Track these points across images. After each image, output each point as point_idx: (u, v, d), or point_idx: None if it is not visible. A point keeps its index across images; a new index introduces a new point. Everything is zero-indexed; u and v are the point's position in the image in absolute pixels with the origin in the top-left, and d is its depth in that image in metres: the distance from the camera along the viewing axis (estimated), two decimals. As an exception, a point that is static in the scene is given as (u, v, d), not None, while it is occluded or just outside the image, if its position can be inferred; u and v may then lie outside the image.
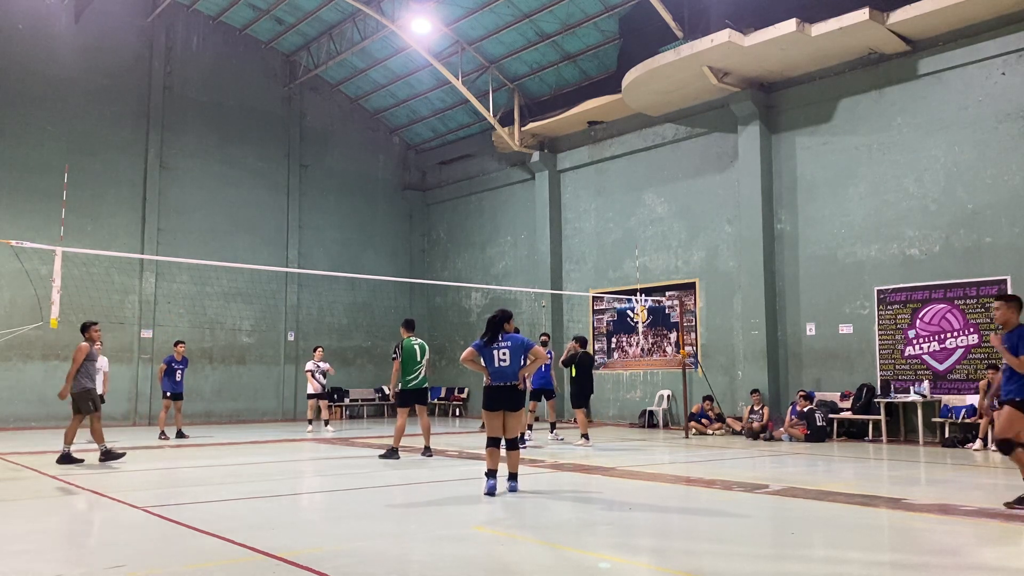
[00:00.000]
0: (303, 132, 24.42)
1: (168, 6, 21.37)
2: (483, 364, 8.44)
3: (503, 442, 8.40)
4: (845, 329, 16.01)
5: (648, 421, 18.73)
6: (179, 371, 15.88)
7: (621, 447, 14.07)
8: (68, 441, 10.94)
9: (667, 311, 19.15)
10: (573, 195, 21.88)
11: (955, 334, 14.54)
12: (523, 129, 21.91)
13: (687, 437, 15.83)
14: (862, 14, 14.49)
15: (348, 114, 25.45)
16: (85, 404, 10.89)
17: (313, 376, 17.41)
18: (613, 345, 20.52)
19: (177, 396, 15.88)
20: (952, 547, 6.01)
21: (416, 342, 11.92)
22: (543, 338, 15.66)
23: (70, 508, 8.06)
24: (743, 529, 6.61)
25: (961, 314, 14.48)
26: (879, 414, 14.86)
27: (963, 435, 13.71)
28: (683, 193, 19.08)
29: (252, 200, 23.10)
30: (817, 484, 9.00)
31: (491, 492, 7.99)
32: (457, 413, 24.26)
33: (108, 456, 11.08)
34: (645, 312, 19.62)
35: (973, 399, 13.85)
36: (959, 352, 14.49)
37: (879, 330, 15.50)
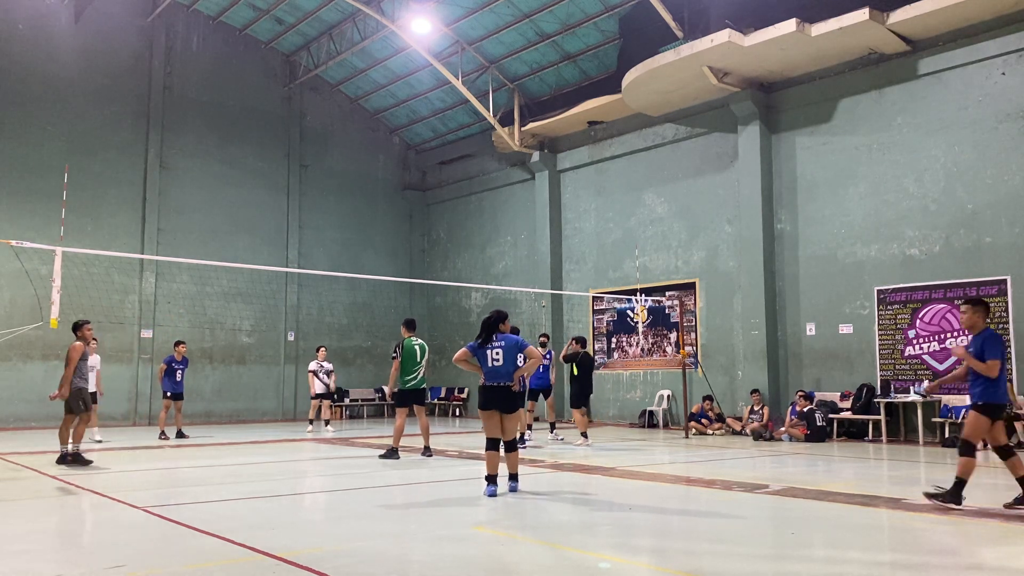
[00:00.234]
0: (303, 132, 24.42)
1: (168, 6, 21.38)
2: (477, 364, 8.45)
3: (502, 444, 8.39)
4: (845, 329, 16.01)
5: (648, 421, 18.73)
6: (179, 371, 15.88)
7: (621, 447, 14.07)
8: (63, 441, 10.92)
9: (667, 311, 19.14)
10: (573, 195, 21.88)
11: (955, 334, 14.54)
12: (523, 129, 21.91)
13: (687, 437, 15.82)
14: (862, 14, 14.49)
15: (348, 114, 25.45)
16: (76, 404, 10.77)
17: (316, 376, 17.40)
18: (613, 345, 20.52)
19: (177, 396, 15.88)
20: (952, 547, 6.01)
21: (416, 342, 11.92)
22: (542, 339, 15.64)
23: (70, 508, 8.06)
24: (743, 529, 6.61)
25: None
26: (879, 414, 14.86)
27: (1017, 440, 13.67)
28: (683, 193, 19.08)
29: (252, 200, 23.10)
30: (817, 484, 9.00)
31: (492, 497, 7.98)
32: (457, 413, 24.26)
33: (75, 460, 10.75)
34: (645, 312, 19.62)
35: (973, 399, 13.82)
36: (959, 352, 14.47)
37: (879, 330, 15.50)
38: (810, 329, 16.56)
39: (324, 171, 24.76)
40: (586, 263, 21.35)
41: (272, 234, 23.45)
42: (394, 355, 11.86)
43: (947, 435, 13.95)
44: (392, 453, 11.71)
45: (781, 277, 17.10)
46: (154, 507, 7.50)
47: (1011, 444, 7.61)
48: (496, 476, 8.16)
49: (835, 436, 15.27)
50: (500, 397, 8.24)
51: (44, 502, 8.33)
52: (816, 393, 15.92)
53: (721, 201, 18.27)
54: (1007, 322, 13.91)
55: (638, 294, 18.87)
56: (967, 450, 7.39)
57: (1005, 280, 13.99)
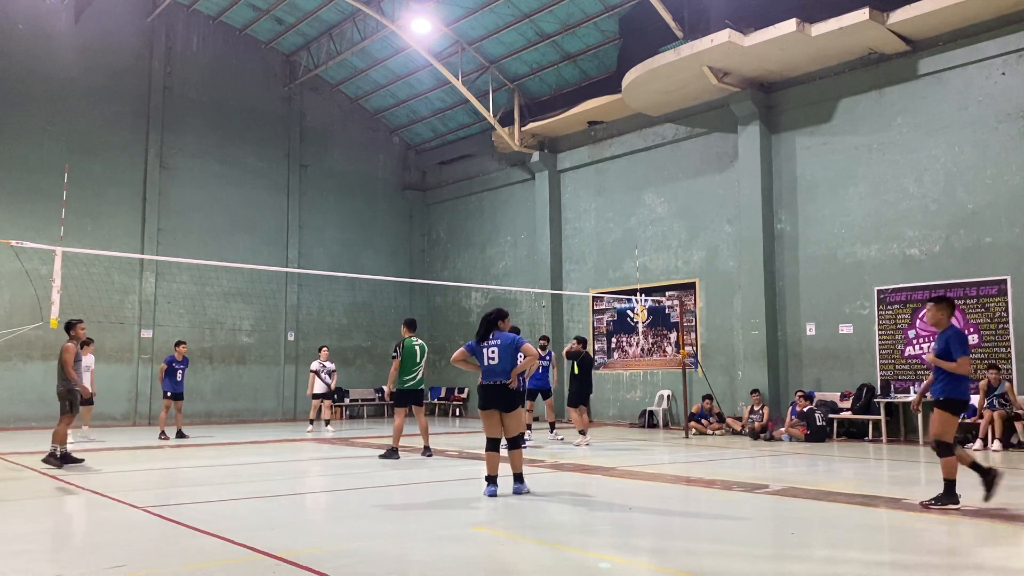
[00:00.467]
0: (303, 132, 24.42)
1: (168, 6, 21.38)
2: (476, 363, 8.45)
3: (502, 444, 8.38)
4: (845, 329, 16.01)
5: (648, 421, 18.73)
6: (180, 371, 15.88)
7: (621, 447, 14.07)
8: (58, 441, 10.88)
9: (667, 311, 19.15)
10: (573, 195, 21.88)
11: (955, 334, 14.52)
12: (523, 129, 21.92)
13: (687, 437, 15.83)
14: (862, 14, 14.49)
15: (348, 114, 25.45)
16: (65, 402, 10.65)
17: (318, 376, 17.40)
18: (613, 345, 20.52)
19: (178, 396, 15.87)
20: (952, 547, 6.01)
21: (417, 342, 11.92)
22: (542, 341, 15.59)
23: (70, 508, 8.06)
24: (743, 529, 6.61)
25: (961, 314, 14.47)
26: (879, 414, 14.86)
27: (963, 435, 13.70)
28: (683, 193, 19.08)
29: (252, 200, 23.10)
30: (817, 484, 9.00)
31: (492, 497, 7.97)
32: (457, 413, 24.26)
33: (62, 460, 10.63)
34: (645, 312, 19.62)
35: (973, 399, 13.79)
36: (959, 352, 14.46)
37: (879, 330, 15.50)
38: (810, 329, 16.56)
39: (324, 171, 24.76)
40: (586, 263, 21.35)
41: (272, 234, 23.45)
42: (394, 355, 11.86)
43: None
44: (392, 453, 11.72)
45: (781, 277, 17.10)
46: (154, 507, 7.50)
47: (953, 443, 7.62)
48: (496, 476, 8.16)
49: (835, 436, 15.27)
50: (497, 395, 8.22)
51: (44, 502, 8.33)
52: (816, 393, 15.92)
53: (721, 201, 18.27)
54: (1007, 322, 13.91)
55: (638, 294, 18.87)
56: (945, 450, 7.41)
57: (1005, 280, 13.99)
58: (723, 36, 15.45)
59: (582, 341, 14.73)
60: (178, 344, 16.16)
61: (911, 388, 14.80)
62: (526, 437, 13.83)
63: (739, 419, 16.72)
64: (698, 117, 18.75)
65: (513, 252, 23.53)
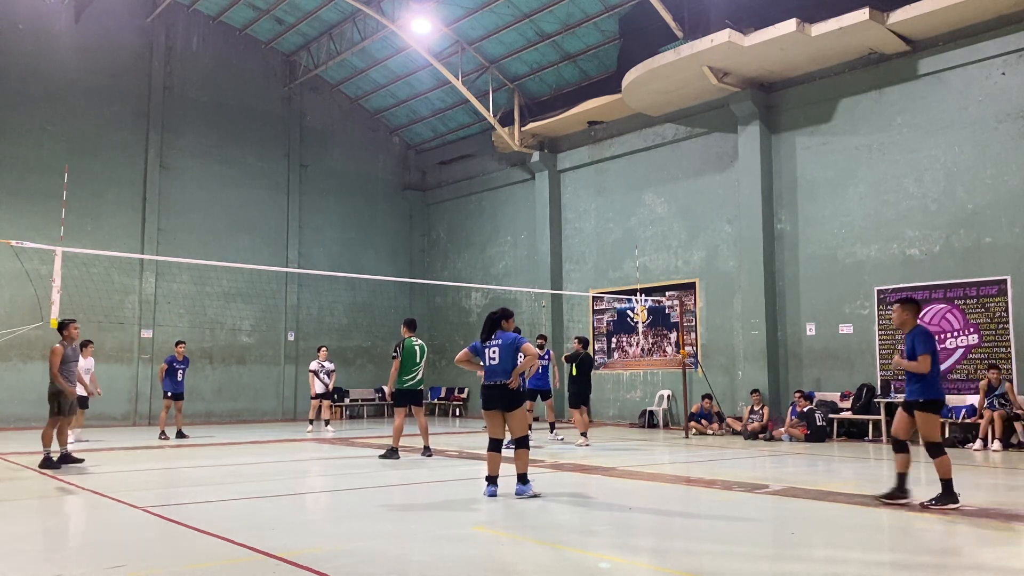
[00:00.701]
0: (303, 132, 24.42)
1: (168, 6, 21.38)
2: (480, 363, 8.46)
3: (503, 445, 8.37)
4: (845, 329, 16.01)
5: (648, 421, 18.73)
6: (180, 371, 15.88)
7: (621, 447, 14.07)
8: (62, 443, 10.85)
9: (667, 311, 19.15)
10: (573, 195, 21.88)
11: (955, 334, 14.54)
12: (523, 129, 21.92)
13: (687, 437, 15.82)
14: (862, 14, 14.49)
15: (348, 114, 25.45)
16: (53, 404, 10.53)
17: (317, 376, 17.40)
18: (613, 345, 20.52)
19: (178, 396, 15.87)
20: (952, 547, 6.01)
21: (417, 342, 11.92)
22: (540, 340, 15.58)
23: (70, 508, 8.06)
24: (743, 529, 6.61)
25: (961, 314, 14.48)
26: (879, 414, 14.86)
27: (963, 435, 13.71)
28: (683, 193, 19.08)
29: (252, 200, 23.10)
30: (817, 484, 9.00)
31: (491, 497, 7.97)
32: (457, 413, 24.26)
33: (61, 460, 10.61)
34: (645, 312, 19.62)
35: (973, 399, 13.85)
36: (959, 352, 14.49)
37: (879, 330, 15.50)
38: (810, 329, 16.56)
39: (324, 171, 24.76)
40: (586, 263, 21.35)
41: (272, 234, 23.46)
42: (394, 355, 11.85)
43: (947, 435, 13.94)
44: (392, 453, 11.72)
45: (781, 277, 17.10)
46: (154, 507, 7.50)
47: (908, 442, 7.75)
48: (496, 477, 8.15)
49: (835, 436, 15.27)
50: (498, 395, 8.20)
51: (44, 502, 8.33)
52: (816, 393, 15.92)
53: (721, 201, 18.27)
54: (1007, 322, 13.91)
55: (638, 294, 18.87)
56: (936, 451, 7.45)
57: (1005, 280, 13.99)
58: (723, 36, 15.45)
59: (583, 341, 14.74)
60: (178, 344, 16.16)
61: (911, 388, 14.77)
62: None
63: (739, 419, 16.72)
64: (698, 117, 18.75)
65: (513, 252, 23.53)
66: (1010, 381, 13.50)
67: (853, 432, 15.44)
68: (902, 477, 7.54)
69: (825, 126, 16.58)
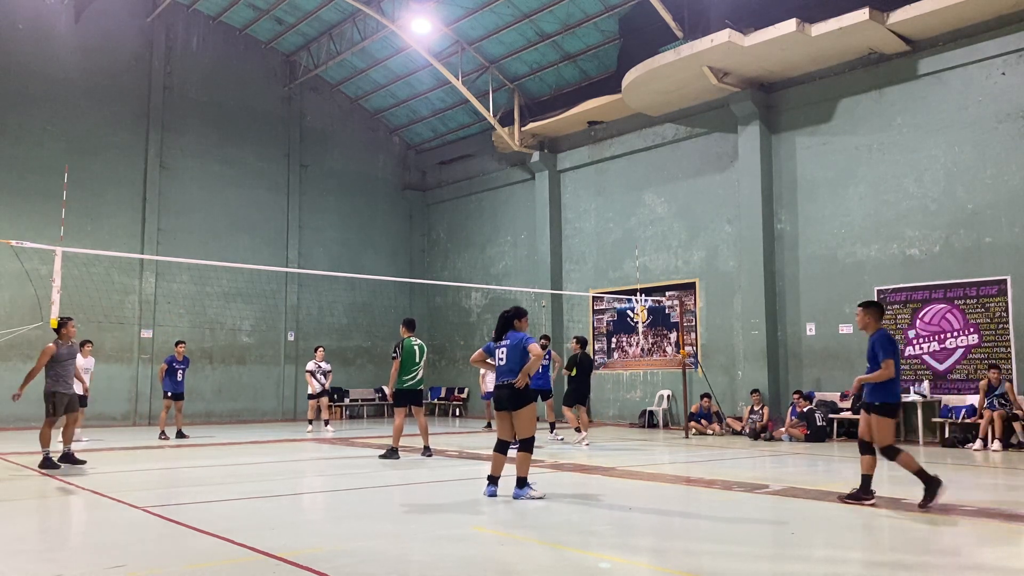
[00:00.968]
0: (303, 132, 24.43)
1: (168, 6, 21.38)
2: (493, 362, 8.51)
3: (509, 446, 8.38)
4: (845, 329, 16.00)
5: (648, 421, 18.73)
6: (180, 371, 15.88)
7: (621, 447, 14.07)
8: (67, 442, 10.83)
9: (667, 311, 19.15)
10: (573, 195, 21.88)
11: (955, 334, 14.54)
12: (523, 129, 21.92)
13: (687, 437, 15.82)
14: (862, 14, 14.49)
15: (348, 114, 25.45)
16: (48, 404, 10.49)
17: (313, 376, 17.40)
18: (613, 345, 20.52)
19: (178, 396, 15.87)
20: (952, 547, 6.01)
21: (416, 342, 11.92)
22: (543, 341, 15.53)
23: (70, 508, 8.06)
24: (743, 529, 6.61)
25: (961, 314, 14.48)
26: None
27: (963, 435, 13.71)
28: (683, 193, 19.08)
29: (252, 200, 23.11)
30: (817, 484, 9.00)
31: (491, 497, 7.97)
32: (457, 413, 24.26)
33: (63, 460, 10.60)
34: (645, 312, 19.62)
35: (973, 399, 13.85)
36: (959, 352, 14.49)
37: (879, 330, 15.46)
38: (810, 329, 16.56)
39: (324, 171, 24.77)
40: (586, 263, 21.35)
41: (272, 234, 23.46)
42: (394, 355, 11.85)
43: (947, 435, 13.95)
44: (392, 453, 11.71)
45: (781, 277, 17.10)
46: (154, 507, 7.50)
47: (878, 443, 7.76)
48: (497, 477, 8.15)
49: (835, 436, 15.26)
50: (505, 395, 8.25)
51: (44, 502, 8.34)
52: (816, 393, 15.92)
53: (721, 201, 18.27)
54: (1007, 322, 13.91)
55: (638, 294, 18.87)
56: (892, 453, 7.53)
57: (1005, 280, 13.99)
58: (723, 36, 15.45)
59: (581, 342, 14.66)
60: (178, 344, 16.16)
61: (911, 388, 14.80)
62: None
63: (739, 419, 16.72)
64: (698, 117, 18.75)
65: (513, 252, 23.53)
66: (1010, 381, 13.50)
67: (853, 432, 15.39)
68: (867, 479, 7.59)
69: (825, 126, 16.58)
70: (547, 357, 15.01)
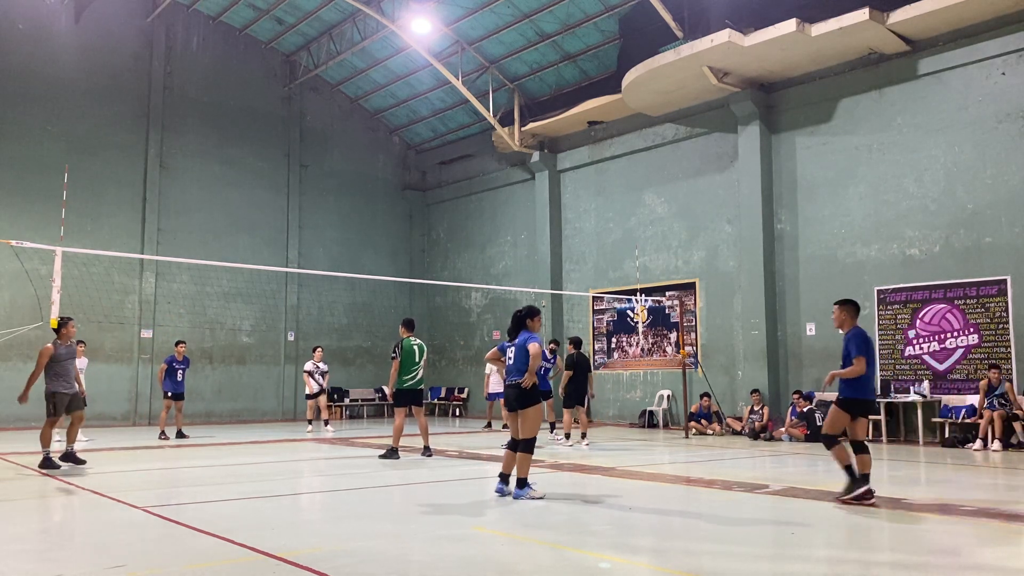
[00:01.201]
0: (303, 132, 24.43)
1: (168, 6, 21.38)
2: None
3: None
4: (845, 329, 15.99)
5: (648, 421, 18.73)
6: (180, 371, 15.87)
7: (621, 447, 14.07)
8: (71, 441, 10.82)
9: (667, 311, 19.15)
10: (573, 195, 21.88)
11: (955, 334, 14.54)
12: (523, 129, 21.92)
13: (687, 437, 15.83)
14: (862, 14, 14.49)
15: (348, 114, 25.46)
16: (49, 404, 10.48)
17: (311, 377, 17.40)
18: (613, 345, 20.52)
19: (178, 396, 15.86)
20: (952, 547, 6.01)
21: (415, 342, 11.91)
22: (551, 346, 15.40)
23: (70, 508, 8.06)
24: (743, 529, 6.61)
25: (961, 314, 14.48)
26: (879, 414, 14.85)
27: (963, 435, 13.71)
28: (683, 193, 19.09)
29: (252, 200, 23.11)
30: (817, 484, 9.00)
31: (499, 495, 7.98)
32: (457, 413, 24.26)
33: (64, 459, 10.60)
34: (645, 312, 19.62)
35: (973, 399, 13.85)
36: (959, 352, 14.49)
37: (879, 330, 15.49)
38: (810, 329, 16.56)
39: (324, 171, 24.77)
40: (586, 263, 21.35)
41: (272, 234, 23.46)
42: (393, 355, 11.85)
43: (947, 435, 13.95)
44: (392, 453, 11.71)
45: (781, 277, 17.10)
46: (154, 507, 7.50)
47: (866, 441, 7.91)
48: (507, 476, 8.18)
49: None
50: (512, 395, 8.33)
51: (44, 502, 8.34)
52: (816, 393, 15.92)
53: (721, 201, 18.27)
54: (1007, 322, 13.91)
55: (638, 294, 18.87)
56: (829, 443, 7.78)
57: (1005, 280, 13.99)
58: (723, 36, 15.45)
59: (575, 342, 14.48)
60: (178, 344, 16.15)
61: (911, 388, 14.81)
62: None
63: (739, 419, 16.72)
64: (698, 117, 18.75)
65: (513, 252, 23.53)
66: (1010, 381, 13.51)
67: (853, 432, 15.40)
68: (864, 477, 7.62)
69: (825, 126, 16.58)
70: (551, 361, 14.89)
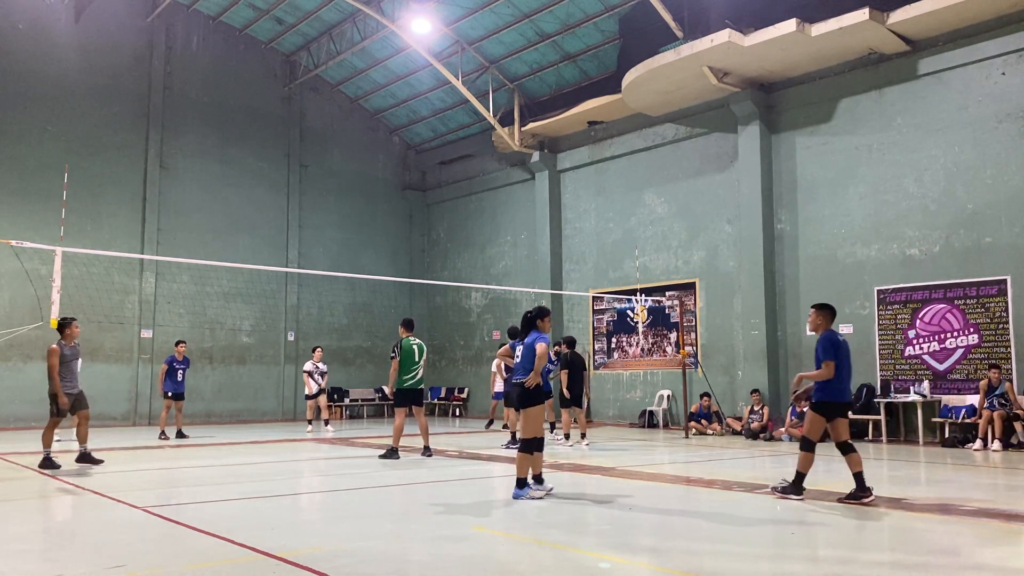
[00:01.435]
0: (303, 132, 24.43)
1: (168, 6, 21.38)
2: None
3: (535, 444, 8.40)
4: (845, 329, 16.00)
5: (648, 421, 18.73)
6: (180, 371, 15.88)
7: (621, 447, 14.07)
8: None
9: (667, 311, 19.15)
10: (573, 195, 21.88)
11: (955, 334, 14.54)
12: (523, 129, 21.92)
13: (687, 437, 15.83)
14: (862, 14, 14.49)
15: (348, 114, 25.45)
16: (52, 406, 10.42)
17: (311, 377, 17.40)
18: (613, 345, 20.52)
19: (178, 396, 15.87)
20: (952, 547, 6.01)
21: (415, 342, 11.92)
22: (556, 347, 15.32)
23: (70, 508, 8.06)
24: (743, 529, 6.61)
25: (961, 314, 14.48)
26: (879, 414, 14.86)
27: (963, 435, 13.71)
28: (683, 193, 19.09)
29: (252, 200, 23.11)
30: (817, 484, 9.00)
31: (516, 498, 7.94)
32: (457, 413, 24.26)
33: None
34: (645, 312, 19.62)
35: (973, 399, 13.85)
36: (959, 352, 14.49)
37: (879, 330, 15.50)
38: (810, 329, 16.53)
39: (324, 171, 24.77)
40: (586, 263, 21.35)
41: (272, 234, 23.46)
42: (393, 355, 11.85)
43: (947, 435, 13.95)
44: (392, 453, 11.71)
45: (781, 277, 17.10)
46: (154, 507, 7.50)
47: (851, 440, 7.99)
48: (524, 480, 8.09)
49: (835, 436, 15.24)
50: (515, 394, 8.42)
51: (44, 502, 8.34)
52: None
53: (721, 201, 18.27)
54: (1007, 322, 13.91)
55: (638, 294, 18.87)
56: (805, 445, 7.88)
57: (1005, 280, 13.99)
58: (723, 36, 15.45)
59: (568, 342, 14.41)
60: (178, 344, 16.16)
61: (911, 388, 14.81)
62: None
63: (739, 419, 16.72)
64: (698, 117, 18.75)
65: (513, 252, 23.53)
66: (1010, 381, 13.51)
67: (853, 432, 15.27)
68: (859, 476, 7.67)
69: (825, 126, 16.58)
70: (555, 363, 14.83)
